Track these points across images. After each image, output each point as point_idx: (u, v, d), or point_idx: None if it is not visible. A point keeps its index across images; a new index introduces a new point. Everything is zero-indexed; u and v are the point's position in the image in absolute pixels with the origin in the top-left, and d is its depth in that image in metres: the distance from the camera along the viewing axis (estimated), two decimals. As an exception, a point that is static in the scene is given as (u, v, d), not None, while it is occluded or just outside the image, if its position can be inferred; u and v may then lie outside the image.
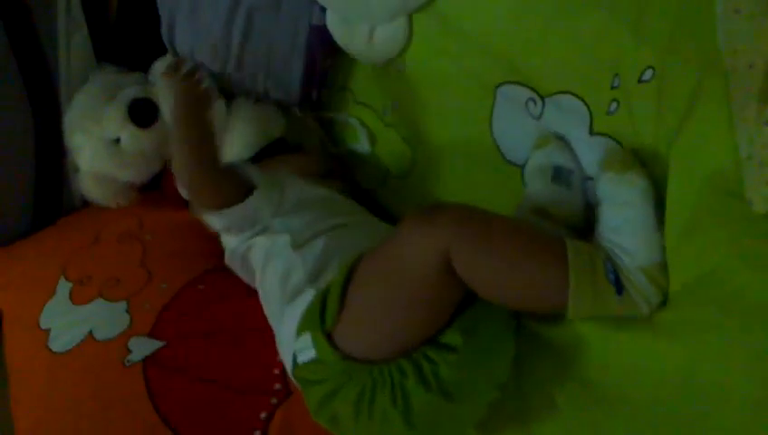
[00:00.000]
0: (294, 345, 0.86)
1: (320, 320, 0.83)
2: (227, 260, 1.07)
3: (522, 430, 0.89)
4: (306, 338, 0.84)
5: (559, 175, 0.90)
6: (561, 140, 0.93)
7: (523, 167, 1.00)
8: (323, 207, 1.05)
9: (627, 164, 0.81)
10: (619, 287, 0.76)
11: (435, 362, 0.80)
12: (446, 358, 0.80)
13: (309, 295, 0.87)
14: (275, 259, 0.96)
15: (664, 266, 0.77)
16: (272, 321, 0.96)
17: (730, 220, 0.70)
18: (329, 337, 0.82)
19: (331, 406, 0.83)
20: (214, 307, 1.08)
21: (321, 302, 0.84)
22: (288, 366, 0.89)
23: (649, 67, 0.81)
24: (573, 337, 0.85)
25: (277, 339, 0.94)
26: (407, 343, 0.81)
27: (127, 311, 1.08)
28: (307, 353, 0.84)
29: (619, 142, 0.87)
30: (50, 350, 1.08)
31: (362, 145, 1.28)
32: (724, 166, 0.70)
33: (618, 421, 0.78)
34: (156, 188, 1.42)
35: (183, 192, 1.11)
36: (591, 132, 0.90)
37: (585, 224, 0.90)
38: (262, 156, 1.26)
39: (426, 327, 0.82)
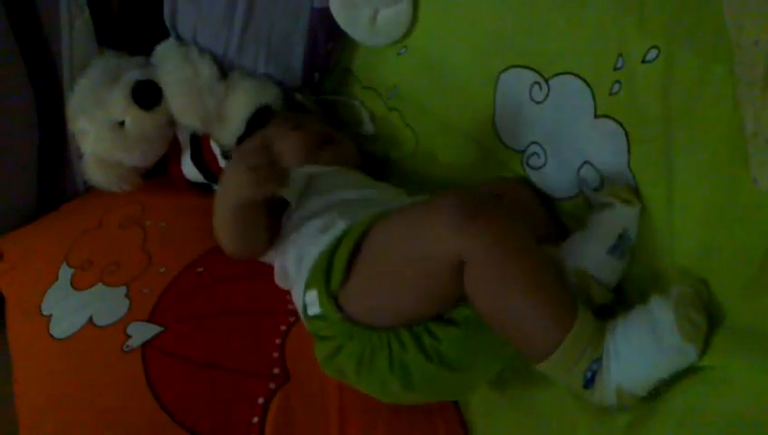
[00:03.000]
0: (304, 299, 0.88)
1: (324, 279, 0.84)
2: None
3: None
4: (313, 294, 0.86)
5: (619, 245, 0.83)
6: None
7: (522, 152, 0.99)
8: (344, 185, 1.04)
9: (696, 324, 0.70)
10: (589, 383, 0.73)
11: (437, 337, 0.81)
12: (448, 333, 0.81)
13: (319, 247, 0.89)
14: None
15: (637, 398, 0.73)
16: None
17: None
18: (335, 296, 0.84)
19: (336, 361, 0.88)
20: (213, 290, 1.07)
21: (329, 260, 0.85)
22: (301, 315, 0.94)
23: (654, 47, 0.80)
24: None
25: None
26: (409, 318, 0.82)
27: (126, 296, 1.07)
28: (313, 308, 0.87)
29: (621, 124, 0.85)
30: (51, 336, 1.07)
31: (366, 127, 1.27)
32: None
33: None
34: (162, 173, 1.42)
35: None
36: (596, 115, 0.89)
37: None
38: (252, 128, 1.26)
39: (429, 308, 0.82)
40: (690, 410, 0.69)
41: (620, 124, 0.86)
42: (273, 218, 0.99)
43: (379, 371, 0.83)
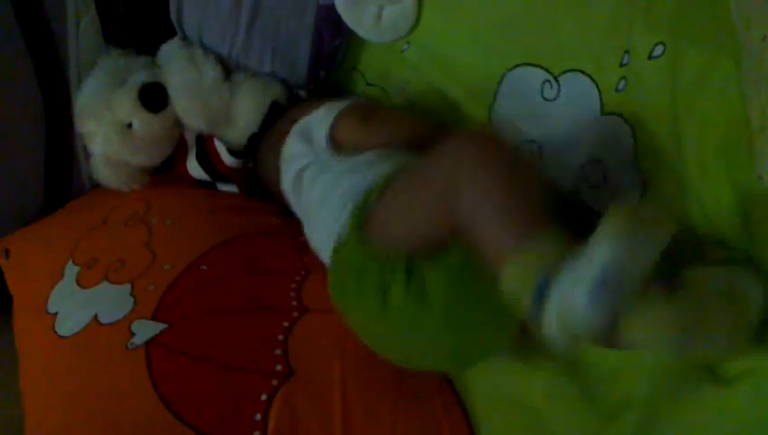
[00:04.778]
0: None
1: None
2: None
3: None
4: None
5: None
6: None
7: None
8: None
9: None
10: (536, 300, 0.67)
11: (425, 273, 0.81)
12: (438, 272, 0.81)
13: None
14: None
15: (579, 339, 0.65)
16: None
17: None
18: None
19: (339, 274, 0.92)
20: (216, 287, 1.07)
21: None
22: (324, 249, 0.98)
23: (659, 43, 0.80)
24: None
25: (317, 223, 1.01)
26: (410, 245, 0.83)
27: (131, 293, 1.07)
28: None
29: (627, 120, 0.85)
30: (57, 334, 1.07)
31: None
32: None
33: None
34: (168, 169, 1.42)
35: None
36: (603, 111, 0.89)
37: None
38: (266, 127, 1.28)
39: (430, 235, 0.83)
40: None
41: (626, 120, 0.85)
42: None
43: (366, 290, 0.84)
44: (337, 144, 1.05)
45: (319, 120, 1.10)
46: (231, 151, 1.29)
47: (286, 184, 1.11)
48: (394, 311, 0.83)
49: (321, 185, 1.01)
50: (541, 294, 0.66)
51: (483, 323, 0.84)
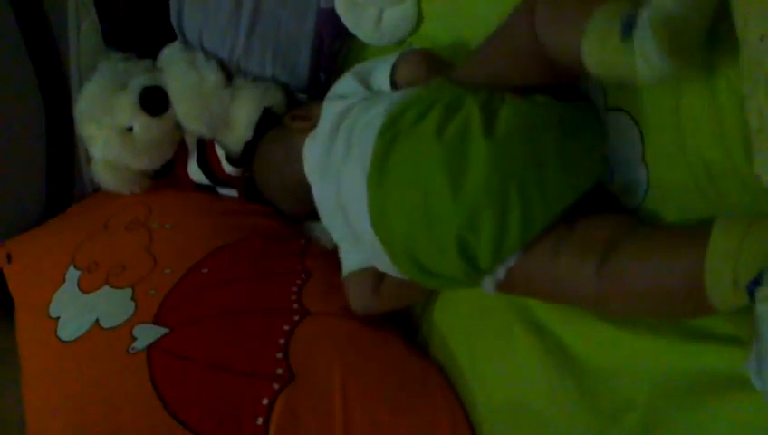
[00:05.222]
0: None
1: None
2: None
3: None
4: None
5: None
6: None
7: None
8: None
9: None
10: (627, 30, 0.69)
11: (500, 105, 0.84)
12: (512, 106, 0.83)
13: None
14: None
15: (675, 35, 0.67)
16: None
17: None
18: None
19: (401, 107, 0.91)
20: (217, 291, 1.07)
21: None
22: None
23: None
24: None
25: None
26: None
27: (132, 298, 1.07)
28: None
29: (633, 116, 0.84)
30: (59, 338, 1.07)
31: None
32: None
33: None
34: (169, 173, 1.42)
35: None
36: (607, 107, 0.88)
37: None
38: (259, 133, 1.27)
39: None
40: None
41: (632, 117, 0.84)
42: None
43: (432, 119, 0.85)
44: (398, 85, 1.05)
45: (378, 63, 1.08)
46: (229, 159, 1.30)
47: (326, 123, 1.05)
48: (448, 139, 0.83)
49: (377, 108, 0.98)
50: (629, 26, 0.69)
51: (532, 182, 0.81)
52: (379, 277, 1.04)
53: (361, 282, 1.05)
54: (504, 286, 0.86)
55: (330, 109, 1.06)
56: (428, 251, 0.87)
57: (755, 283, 0.62)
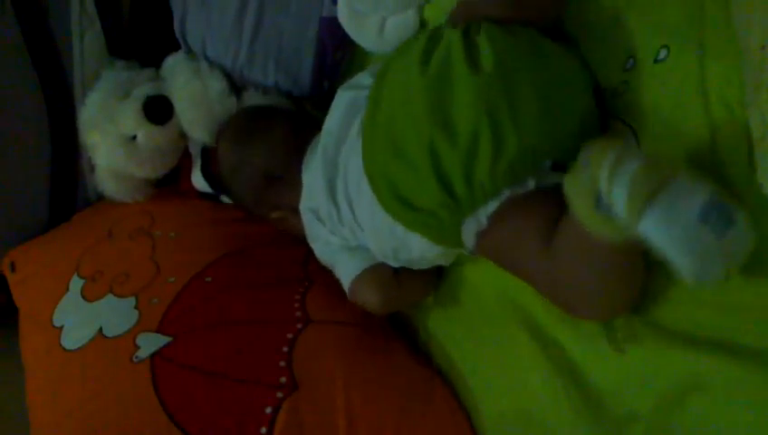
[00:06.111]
0: None
1: None
2: None
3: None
4: None
5: None
6: None
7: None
8: None
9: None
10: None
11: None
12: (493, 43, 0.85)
13: None
14: None
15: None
16: None
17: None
18: None
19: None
20: (221, 299, 1.07)
21: None
22: None
23: (664, 46, 0.80)
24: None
25: None
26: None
27: (136, 306, 1.07)
28: None
29: (629, 124, 0.84)
30: (62, 347, 1.08)
31: None
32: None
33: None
34: (173, 182, 1.43)
35: None
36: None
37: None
38: None
39: None
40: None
41: (628, 125, 0.85)
42: None
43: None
44: None
45: None
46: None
47: (337, 110, 1.07)
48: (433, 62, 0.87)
49: None
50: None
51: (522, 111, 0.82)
52: (393, 268, 1.03)
53: (378, 270, 1.03)
54: (486, 242, 0.86)
55: (343, 96, 1.09)
56: (406, 175, 0.88)
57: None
